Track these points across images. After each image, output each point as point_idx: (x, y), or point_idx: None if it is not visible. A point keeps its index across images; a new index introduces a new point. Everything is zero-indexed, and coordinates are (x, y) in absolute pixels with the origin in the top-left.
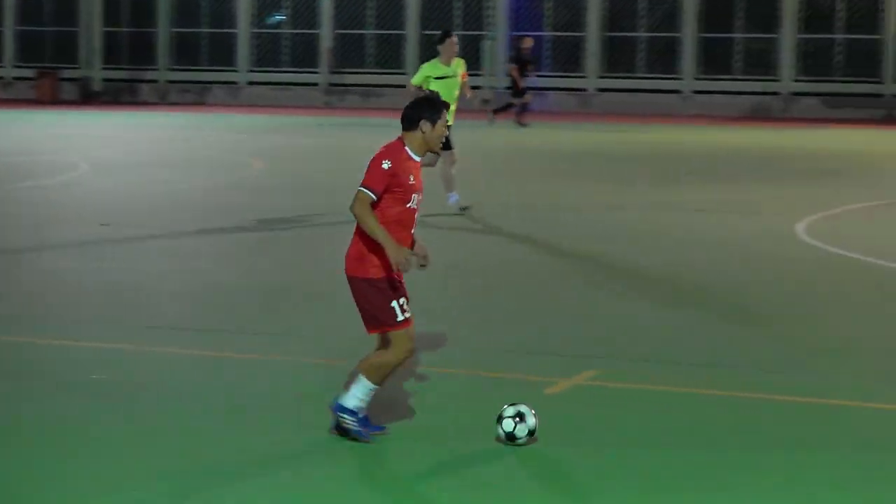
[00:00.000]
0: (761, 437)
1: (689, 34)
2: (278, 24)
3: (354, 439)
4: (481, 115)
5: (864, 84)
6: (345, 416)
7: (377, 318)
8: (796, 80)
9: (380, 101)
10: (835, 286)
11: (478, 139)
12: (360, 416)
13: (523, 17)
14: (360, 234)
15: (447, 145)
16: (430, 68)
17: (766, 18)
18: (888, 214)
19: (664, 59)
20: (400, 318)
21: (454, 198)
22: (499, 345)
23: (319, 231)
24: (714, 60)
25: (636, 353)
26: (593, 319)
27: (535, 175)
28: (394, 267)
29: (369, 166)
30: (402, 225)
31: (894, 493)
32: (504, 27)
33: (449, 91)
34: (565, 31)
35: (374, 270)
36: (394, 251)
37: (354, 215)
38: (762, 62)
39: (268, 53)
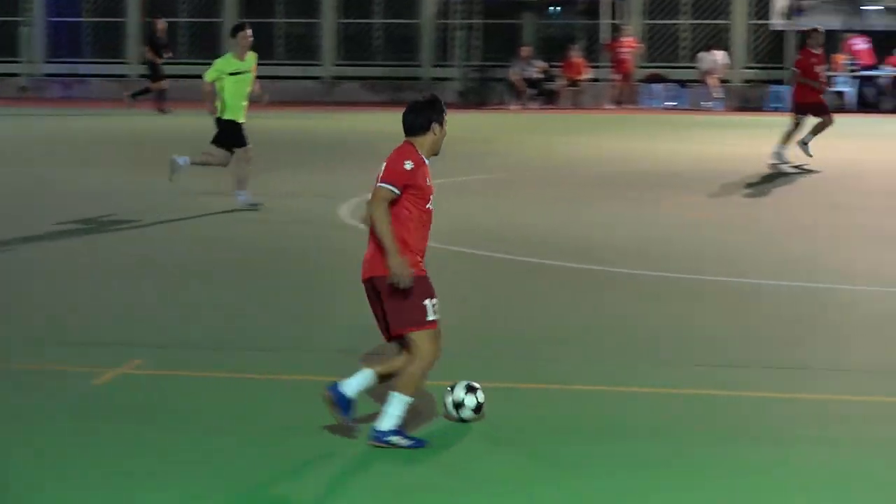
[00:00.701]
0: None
1: (228, 19)
2: None
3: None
4: (17, 102)
5: (404, 67)
6: (390, 439)
7: (406, 317)
8: (337, 65)
9: None
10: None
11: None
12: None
13: (63, 3)
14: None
15: (242, 141)
16: (224, 63)
17: (307, 3)
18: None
19: (204, 45)
20: (430, 317)
21: (243, 197)
22: (34, 335)
23: None
24: (257, 46)
25: (184, 340)
26: (137, 309)
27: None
28: (391, 279)
29: (388, 166)
30: (423, 226)
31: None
32: (41, 13)
33: (242, 87)
34: (105, 17)
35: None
36: (398, 266)
37: (371, 215)
38: (303, 47)
39: None
